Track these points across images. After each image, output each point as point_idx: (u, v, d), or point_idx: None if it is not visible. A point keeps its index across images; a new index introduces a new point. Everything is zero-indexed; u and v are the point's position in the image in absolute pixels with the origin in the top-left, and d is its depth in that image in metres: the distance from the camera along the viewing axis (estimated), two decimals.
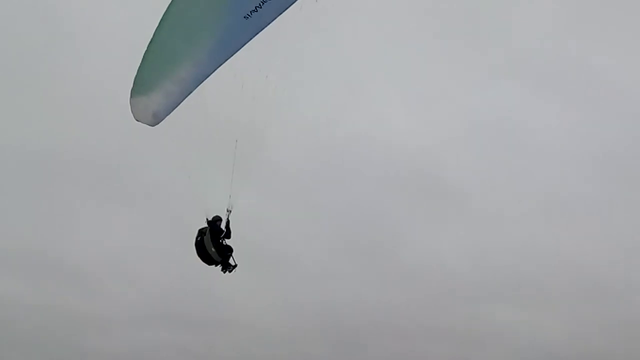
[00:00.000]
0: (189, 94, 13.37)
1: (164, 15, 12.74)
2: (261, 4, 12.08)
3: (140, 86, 13.58)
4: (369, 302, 35.66)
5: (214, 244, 14.99)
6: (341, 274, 36.18)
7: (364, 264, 36.80)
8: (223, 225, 15.14)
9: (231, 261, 15.38)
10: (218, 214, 15.22)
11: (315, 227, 36.99)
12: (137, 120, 13.87)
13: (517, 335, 35.91)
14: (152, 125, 13.93)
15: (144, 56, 13.32)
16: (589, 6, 34.40)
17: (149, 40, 12.89)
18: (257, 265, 35.62)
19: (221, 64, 13.00)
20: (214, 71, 13.14)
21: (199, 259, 15.16)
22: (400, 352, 35.81)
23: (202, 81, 13.24)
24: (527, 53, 35.84)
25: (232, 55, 12.87)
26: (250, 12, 12.22)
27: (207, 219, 15.18)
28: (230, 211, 15.08)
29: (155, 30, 12.85)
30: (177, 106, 13.54)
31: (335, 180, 37.31)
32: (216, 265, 15.32)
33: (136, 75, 13.62)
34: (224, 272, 15.42)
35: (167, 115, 13.68)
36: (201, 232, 15.19)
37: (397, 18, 32.14)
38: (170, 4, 12.62)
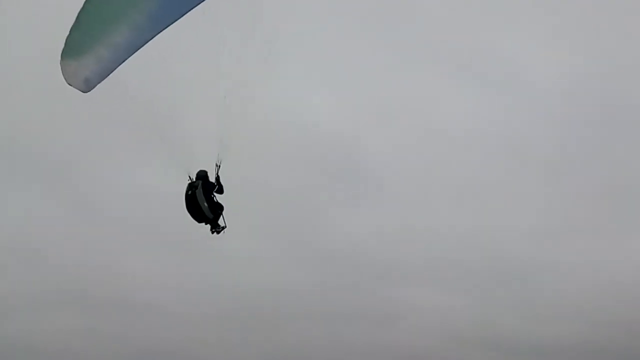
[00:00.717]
0: (124, 60, 12.67)
1: None
2: None
3: (71, 49, 12.73)
4: (288, 285, 35.69)
5: (206, 199, 14.22)
6: (259, 257, 36.01)
7: (282, 247, 36.85)
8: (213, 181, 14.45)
9: (221, 221, 14.56)
10: (204, 169, 14.56)
11: (232, 207, 36.55)
12: (69, 85, 13.06)
13: (432, 317, 37.21)
14: (85, 92, 13.11)
15: (77, 16, 12.50)
16: None
17: None
18: (172, 246, 34.96)
19: (160, 31, 12.41)
20: (152, 38, 12.53)
21: (188, 214, 14.38)
22: (318, 336, 36.30)
23: (139, 48, 12.58)
24: (443, 38, 36.76)
25: (173, 22, 12.30)
26: None
27: (189, 176, 14.50)
28: (220, 165, 14.42)
29: None
30: (111, 73, 12.84)
31: (252, 160, 36.95)
32: (206, 224, 14.46)
33: (67, 37, 12.71)
34: (213, 233, 14.55)
35: (100, 81, 12.91)
36: (192, 185, 14.37)
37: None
38: None
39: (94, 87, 12.94)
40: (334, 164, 37.69)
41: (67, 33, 12.52)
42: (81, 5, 12.28)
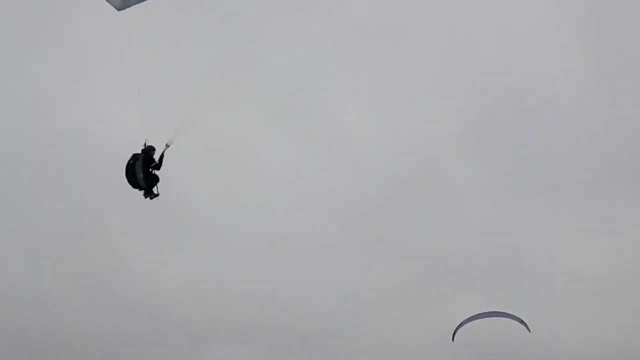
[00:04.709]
0: None
1: None
2: None
3: None
4: (82, 330, 34.23)
5: (143, 171, 17.40)
6: (48, 298, 34.34)
7: (74, 287, 35.35)
8: (157, 157, 17.72)
9: (154, 190, 17.83)
10: (152, 145, 17.70)
11: (17, 237, 34.73)
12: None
13: None
14: (118, 9, 13.81)
15: None
16: (339, 49, 39.47)
17: None
18: None
19: None
20: None
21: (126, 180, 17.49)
22: None
23: None
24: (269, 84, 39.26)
25: None
26: None
27: (145, 143, 17.54)
28: (169, 146, 17.48)
29: None
30: None
31: (50, 182, 35.59)
32: (140, 190, 17.73)
33: None
34: (145, 198, 17.85)
35: (136, 3, 13.68)
36: (135, 156, 17.58)
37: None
38: None
39: (129, 6, 13.70)
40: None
41: None
42: None
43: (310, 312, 39.23)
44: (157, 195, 17.81)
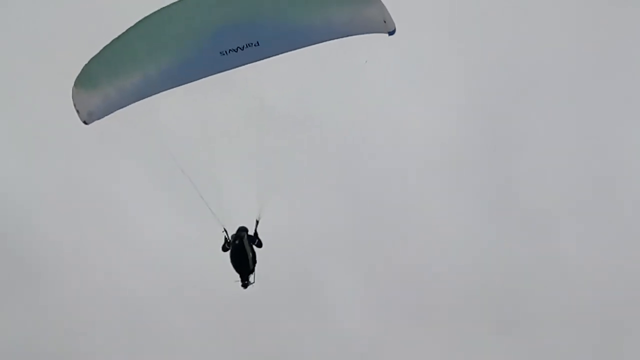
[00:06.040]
0: (128, 105, 14.18)
1: (143, 19, 13.71)
2: (245, 46, 14.42)
3: (84, 80, 13.96)
4: None
5: (251, 249, 15.89)
6: None
7: None
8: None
9: (252, 277, 16.07)
10: (244, 225, 16.07)
11: None
12: (76, 110, 14.02)
13: None
14: (87, 124, 14.15)
15: (101, 49, 13.70)
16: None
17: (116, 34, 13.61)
18: None
19: (169, 89, 14.41)
20: (160, 92, 14.39)
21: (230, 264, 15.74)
22: None
23: (144, 97, 14.23)
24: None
25: (183, 85, 14.48)
26: (229, 50, 14.40)
27: (224, 229, 15.96)
28: (258, 221, 16.02)
29: (128, 28, 13.68)
30: (114, 111, 14.20)
31: None
32: (241, 275, 15.93)
33: (85, 65, 13.87)
34: (242, 286, 16.02)
35: (103, 117, 14.16)
36: (238, 236, 15.87)
37: None
38: (158, 11, 13.80)
39: (94, 121, 14.21)
40: None
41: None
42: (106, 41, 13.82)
43: None
44: (252, 283, 16.17)
